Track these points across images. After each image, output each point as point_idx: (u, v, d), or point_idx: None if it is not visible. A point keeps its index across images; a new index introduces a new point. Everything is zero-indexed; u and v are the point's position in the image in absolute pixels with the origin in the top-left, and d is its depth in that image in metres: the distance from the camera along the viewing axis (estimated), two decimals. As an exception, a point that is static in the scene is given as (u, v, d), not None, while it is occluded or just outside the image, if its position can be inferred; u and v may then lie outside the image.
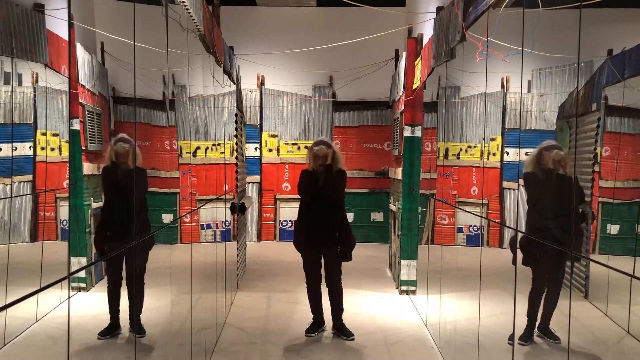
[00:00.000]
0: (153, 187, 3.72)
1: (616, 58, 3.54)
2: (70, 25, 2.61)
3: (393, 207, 7.23)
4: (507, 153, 7.66)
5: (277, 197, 10.21)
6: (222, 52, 5.52)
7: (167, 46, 3.23)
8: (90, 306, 3.41)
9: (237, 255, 6.63)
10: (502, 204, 7.57)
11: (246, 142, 9.07)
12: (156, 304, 3.77)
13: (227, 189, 5.78)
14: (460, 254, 7.33)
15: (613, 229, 3.88)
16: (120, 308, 3.28)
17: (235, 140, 6.71)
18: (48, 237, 3.39)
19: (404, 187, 6.33)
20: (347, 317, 5.12)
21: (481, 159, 8.42)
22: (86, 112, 3.25)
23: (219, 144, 6.90)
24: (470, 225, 7.86)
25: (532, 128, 5.57)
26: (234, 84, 6.83)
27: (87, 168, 3.24)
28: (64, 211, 3.41)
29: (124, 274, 3.32)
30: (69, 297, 2.24)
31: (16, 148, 3.23)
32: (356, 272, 7.41)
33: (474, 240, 7.80)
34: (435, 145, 6.88)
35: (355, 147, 10.19)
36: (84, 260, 3.22)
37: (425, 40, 5.78)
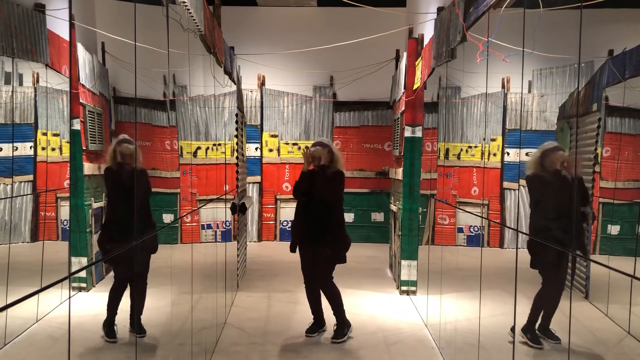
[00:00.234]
0: (154, 187, 3.73)
1: (617, 58, 3.54)
2: (71, 26, 2.61)
3: (393, 208, 7.23)
4: (508, 153, 7.66)
5: (278, 197, 10.21)
6: (222, 52, 5.52)
7: (167, 46, 3.24)
8: (91, 306, 3.41)
9: (238, 255, 6.63)
10: (502, 204, 7.57)
11: (247, 142, 9.07)
12: (157, 304, 3.77)
13: (227, 189, 5.78)
14: (460, 254, 7.33)
15: (613, 229, 3.88)
16: (121, 308, 3.28)
17: (235, 140, 6.72)
18: (49, 237, 3.40)
19: (404, 188, 6.33)
20: (348, 317, 5.11)
21: (482, 159, 8.42)
22: (87, 112, 3.26)
23: (219, 144, 6.91)
24: (471, 226, 7.86)
25: (533, 128, 5.57)
26: (235, 84, 6.83)
27: (88, 168, 3.24)
28: (64, 211, 3.42)
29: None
30: (69, 297, 2.24)
31: (17, 148, 3.23)
32: (356, 272, 7.41)
33: (474, 240, 7.80)
34: (436, 146, 6.89)
35: (356, 148, 10.19)
36: (84, 260, 3.23)
37: (426, 41, 5.79)
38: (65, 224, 3.39)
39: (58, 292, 2.74)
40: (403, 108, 6.57)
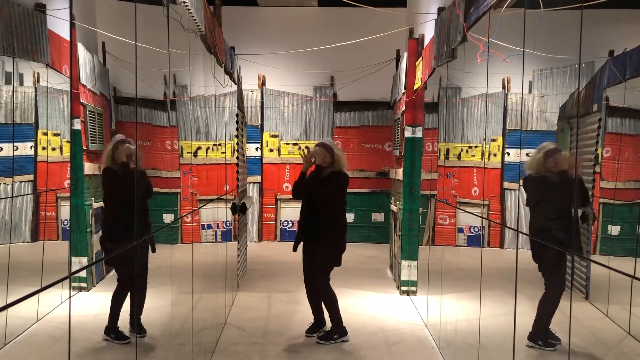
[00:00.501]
0: (154, 187, 3.73)
1: (617, 59, 3.54)
2: (72, 26, 2.61)
3: (394, 208, 7.23)
4: (508, 154, 7.66)
5: (278, 197, 10.21)
6: (223, 52, 5.52)
7: (168, 46, 3.24)
8: (91, 306, 3.41)
9: (238, 255, 6.64)
10: (502, 204, 7.57)
11: (247, 142, 9.07)
12: (157, 304, 3.77)
13: (227, 189, 5.79)
14: (460, 255, 7.33)
15: (614, 229, 3.88)
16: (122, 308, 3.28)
17: (236, 140, 6.72)
18: (49, 236, 3.40)
19: (404, 188, 6.33)
20: (348, 318, 5.12)
21: (482, 159, 8.42)
22: (87, 112, 3.26)
23: (220, 144, 6.91)
24: (471, 226, 7.87)
25: (533, 129, 5.58)
26: (235, 84, 6.83)
27: (88, 168, 3.24)
28: (65, 211, 3.42)
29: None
30: (69, 297, 2.24)
31: (17, 148, 3.23)
32: (357, 272, 7.41)
33: (474, 240, 7.80)
34: (436, 146, 6.89)
35: (356, 148, 10.19)
36: (84, 260, 3.23)
37: (427, 41, 5.78)
38: (65, 223, 3.39)
39: (58, 291, 2.75)
40: (403, 108, 6.56)
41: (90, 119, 3.28)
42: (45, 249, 3.36)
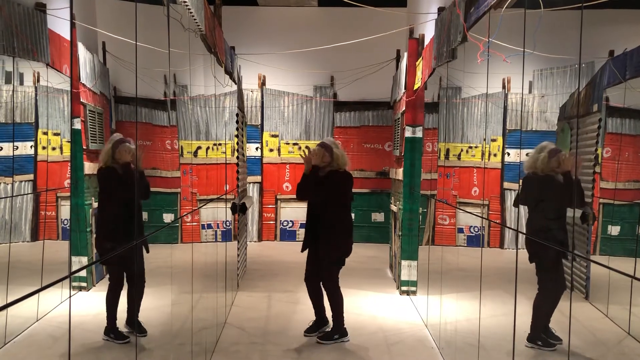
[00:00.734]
0: (154, 186, 3.73)
1: (617, 59, 3.54)
2: (72, 25, 2.61)
3: (394, 208, 7.23)
4: (508, 154, 7.66)
5: (278, 197, 10.21)
6: (223, 52, 5.52)
7: (168, 46, 3.24)
8: (91, 305, 3.41)
9: (238, 255, 6.64)
10: (502, 204, 7.57)
11: (247, 142, 9.07)
12: (157, 304, 3.77)
13: (227, 188, 5.79)
14: (460, 255, 7.33)
15: (614, 230, 3.87)
16: (120, 307, 3.27)
17: (236, 140, 6.72)
18: (49, 236, 3.40)
19: (404, 188, 6.33)
20: (348, 317, 5.12)
21: (482, 159, 8.42)
22: (87, 112, 3.25)
23: (220, 144, 6.90)
24: (471, 226, 7.87)
25: (533, 129, 5.57)
26: (235, 83, 6.83)
27: (89, 167, 3.24)
28: (65, 210, 3.41)
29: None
30: (69, 297, 2.24)
31: (17, 147, 3.23)
32: (357, 272, 7.41)
33: (474, 240, 7.80)
34: (436, 146, 6.89)
35: (356, 148, 10.19)
36: (84, 260, 3.23)
37: (427, 41, 5.78)
38: (65, 223, 3.39)
39: (58, 291, 2.74)
40: (403, 108, 6.56)
41: (90, 119, 3.27)
42: (45, 249, 3.36)
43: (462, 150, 8.56)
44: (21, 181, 3.27)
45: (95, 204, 3.35)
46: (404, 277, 6.37)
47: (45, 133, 3.32)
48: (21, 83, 3.17)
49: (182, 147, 6.84)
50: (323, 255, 4.87)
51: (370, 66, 9.27)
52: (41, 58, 2.99)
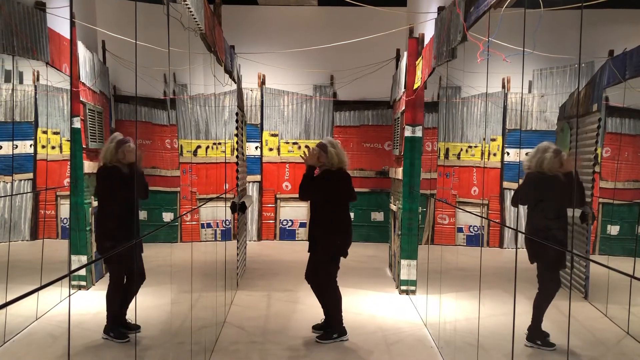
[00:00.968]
0: (154, 185, 3.73)
1: (617, 59, 3.54)
2: (72, 24, 2.61)
3: (393, 207, 7.24)
4: (508, 153, 7.66)
5: (278, 196, 10.21)
6: (223, 51, 5.52)
7: (168, 45, 3.24)
8: (91, 304, 3.41)
9: (237, 254, 6.64)
10: (502, 204, 7.57)
11: (247, 141, 9.07)
12: (156, 303, 3.77)
13: (227, 187, 5.79)
14: (460, 254, 7.33)
15: (613, 229, 3.87)
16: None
17: (235, 139, 6.72)
18: (48, 235, 3.40)
19: (404, 187, 6.33)
20: (347, 317, 5.12)
21: (482, 159, 8.42)
22: (87, 111, 3.25)
23: (219, 143, 6.90)
24: (471, 226, 7.86)
25: (533, 128, 5.57)
26: (235, 82, 6.83)
27: (88, 166, 3.24)
28: (64, 209, 3.42)
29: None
30: (69, 295, 2.24)
31: (17, 146, 3.23)
32: (356, 271, 7.41)
33: (474, 240, 7.80)
34: (436, 145, 6.88)
35: (356, 147, 10.19)
36: (84, 259, 3.23)
37: (427, 40, 5.78)
38: (65, 222, 3.39)
39: (58, 290, 2.74)
40: (403, 107, 6.56)
41: (90, 118, 3.27)
42: (44, 247, 3.36)
43: (461, 149, 8.55)
44: (21, 180, 3.27)
45: (95, 203, 3.35)
46: (403, 277, 6.37)
47: (45, 132, 3.33)
48: (21, 82, 3.17)
49: (181, 146, 6.83)
50: (320, 253, 4.89)
51: (370, 65, 9.27)
52: (41, 57, 2.99)
